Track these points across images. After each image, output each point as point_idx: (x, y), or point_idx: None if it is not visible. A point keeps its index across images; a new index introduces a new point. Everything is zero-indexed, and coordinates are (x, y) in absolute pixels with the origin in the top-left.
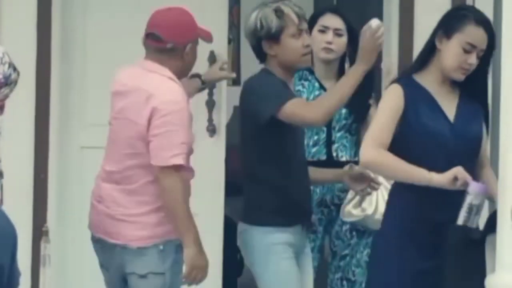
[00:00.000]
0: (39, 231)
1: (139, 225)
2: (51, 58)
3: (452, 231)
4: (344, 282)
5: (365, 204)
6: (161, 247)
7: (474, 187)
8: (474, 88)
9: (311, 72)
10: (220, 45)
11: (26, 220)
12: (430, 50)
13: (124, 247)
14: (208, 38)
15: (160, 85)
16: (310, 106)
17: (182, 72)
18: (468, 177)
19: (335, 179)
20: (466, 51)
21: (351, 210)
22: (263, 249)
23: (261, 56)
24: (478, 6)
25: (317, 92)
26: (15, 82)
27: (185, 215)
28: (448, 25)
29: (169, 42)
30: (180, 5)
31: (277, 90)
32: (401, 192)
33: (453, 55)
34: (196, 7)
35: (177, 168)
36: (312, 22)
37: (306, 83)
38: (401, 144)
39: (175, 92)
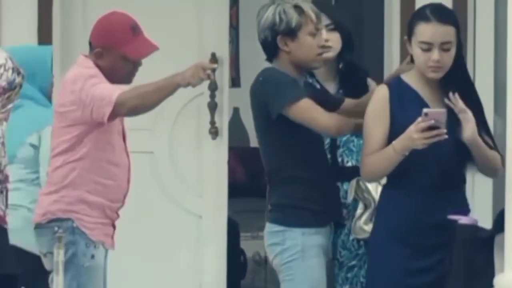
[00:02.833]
0: None
1: (39, 204)
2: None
3: (459, 230)
4: None
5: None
6: (56, 228)
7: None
8: (453, 82)
9: (312, 74)
10: (221, 46)
11: None
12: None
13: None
14: (132, 55)
15: (71, 72)
16: (329, 114)
17: (109, 75)
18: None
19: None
20: (425, 50)
21: (363, 226)
22: (299, 251)
23: (272, 53)
24: (479, 5)
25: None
26: (19, 85)
27: (151, 89)
28: (407, 30)
29: (90, 39)
30: (180, 6)
31: (291, 86)
32: (390, 193)
33: (416, 57)
34: (197, 8)
35: (118, 100)
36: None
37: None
38: (391, 142)
39: (78, 69)
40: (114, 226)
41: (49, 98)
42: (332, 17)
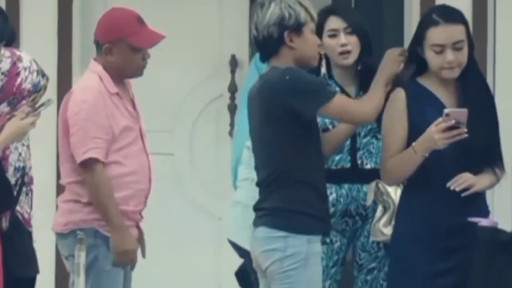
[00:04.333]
0: None
1: (59, 211)
2: (72, 62)
3: (480, 232)
4: None
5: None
6: (78, 232)
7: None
8: (468, 82)
9: (330, 76)
10: (242, 48)
11: (49, 226)
12: (415, 58)
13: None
14: (142, 44)
15: (80, 82)
16: (360, 101)
17: (117, 71)
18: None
19: None
20: (438, 52)
21: (382, 229)
22: (302, 259)
23: (274, 51)
24: (499, 12)
25: None
26: (44, 88)
27: (104, 206)
28: (417, 37)
29: (96, 38)
30: (201, 8)
31: (321, 83)
32: (411, 196)
33: (431, 60)
34: (217, 11)
35: (92, 162)
36: (319, 29)
37: None
38: (410, 144)
39: (88, 90)
40: (138, 227)
41: None
42: (349, 20)
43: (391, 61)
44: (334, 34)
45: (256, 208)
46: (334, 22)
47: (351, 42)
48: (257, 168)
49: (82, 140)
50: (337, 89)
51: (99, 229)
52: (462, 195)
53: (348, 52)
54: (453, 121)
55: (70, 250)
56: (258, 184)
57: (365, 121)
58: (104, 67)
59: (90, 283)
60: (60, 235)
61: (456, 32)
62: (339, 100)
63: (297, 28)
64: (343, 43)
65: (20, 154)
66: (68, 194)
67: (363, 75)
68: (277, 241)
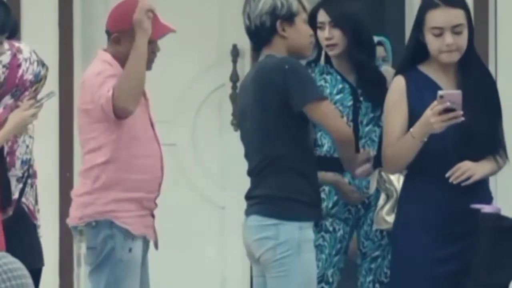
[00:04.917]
0: (66, 230)
1: (74, 205)
2: (73, 53)
3: (483, 218)
4: (377, 285)
5: None
6: (94, 223)
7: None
8: (469, 68)
9: (331, 65)
10: (243, 38)
11: (53, 218)
12: (416, 46)
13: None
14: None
15: (90, 70)
16: (345, 123)
17: (125, 61)
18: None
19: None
20: (437, 36)
21: (385, 217)
22: (295, 246)
23: (266, 40)
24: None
25: (340, 86)
26: (45, 77)
27: (131, 63)
28: (418, 21)
29: (106, 28)
30: None
31: (315, 83)
32: (413, 183)
33: (430, 44)
34: (217, 0)
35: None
36: (313, 20)
37: (328, 77)
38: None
39: (97, 68)
40: (153, 216)
41: None
42: (332, 14)
43: (366, 153)
44: (321, 27)
45: (248, 196)
46: (321, 15)
47: (335, 36)
48: (247, 156)
49: (99, 90)
50: (338, 77)
51: (114, 220)
52: (462, 184)
53: (333, 45)
54: (447, 103)
55: (86, 242)
56: (249, 173)
57: (337, 136)
58: (113, 57)
59: (107, 273)
60: (75, 229)
61: (455, 15)
62: (327, 105)
63: (289, 17)
64: (326, 37)
65: (27, 147)
66: (81, 187)
67: (359, 68)
68: (269, 229)
